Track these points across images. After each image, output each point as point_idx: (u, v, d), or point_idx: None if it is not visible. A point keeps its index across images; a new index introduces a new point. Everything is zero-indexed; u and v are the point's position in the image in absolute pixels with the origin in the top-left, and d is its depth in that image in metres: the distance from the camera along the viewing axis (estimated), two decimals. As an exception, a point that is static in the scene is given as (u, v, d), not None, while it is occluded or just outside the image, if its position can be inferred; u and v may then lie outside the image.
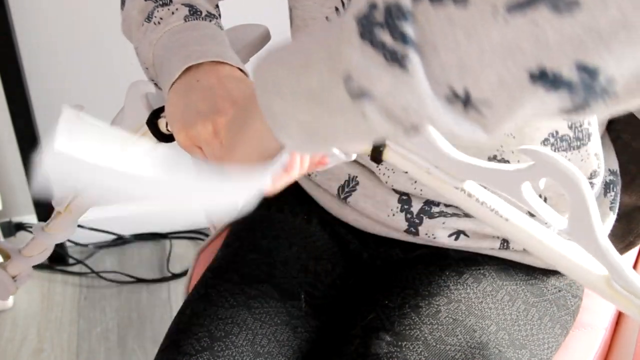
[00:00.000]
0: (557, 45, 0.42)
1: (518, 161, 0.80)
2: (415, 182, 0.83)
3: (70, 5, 1.60)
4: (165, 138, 0.78)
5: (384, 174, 0.84)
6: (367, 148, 0.64)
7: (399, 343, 0.78)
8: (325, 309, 0.90)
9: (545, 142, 0.79)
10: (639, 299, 0.57)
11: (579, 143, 0.80)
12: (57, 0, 1.59)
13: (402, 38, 0.45)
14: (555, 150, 0.80)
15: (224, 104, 0.68)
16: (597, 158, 0.84)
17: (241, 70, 0.74)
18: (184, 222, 1.91)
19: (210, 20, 0.78)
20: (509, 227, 0.60)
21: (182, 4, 0.78)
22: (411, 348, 0.78)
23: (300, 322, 0.87)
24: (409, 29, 0.45)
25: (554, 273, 0.90)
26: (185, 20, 0.76)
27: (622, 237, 0.99)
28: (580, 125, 0.80)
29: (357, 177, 0.87)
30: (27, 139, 1.68)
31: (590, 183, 0.85)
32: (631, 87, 0.44)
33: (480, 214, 0.61)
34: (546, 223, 0.59)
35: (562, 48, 0.42)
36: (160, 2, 0.78)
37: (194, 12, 0.77)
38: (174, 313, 0.87)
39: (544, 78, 0.44)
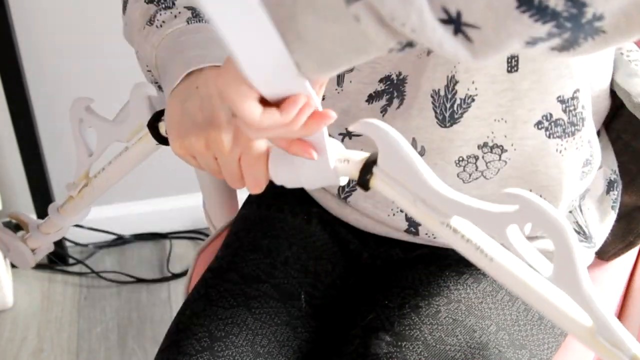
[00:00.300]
0: None
1: (512, 145, 0.79)
2: None
3: (70, 5, 1.60)
4: (165, 141, 0.78)
5: None
6: (355, 174, 0.63)
7: (399, 343, 0.78)
8: (325, 309, 0.90)
9: (538, 125, 0.79)
10: (623, 352, 0.55)
11: (573, 129, 0.80)
12: (57, 0, 1.59)
13: None
14: (549, 137, 0.79)
15: (221, 117, 0.67)
16: (590, 146, 0.84)
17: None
18: (184, 222, 1.91)
19: None
20: (493, 268, 0.58)
21: (185, 7, 0.77)
22: (411, 348, 0.78)
23: (300, 322, 0.87)
24: None
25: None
26: (188, 23, 0.76)
27: (622, 237, 0.99)
28: (574, 109, 0.79)
29: None
30: (27, 139, 1.69)
31: (583, 172, 0.85)
32: (619, 24, 0.44)
33: (464, 251, 0.59)
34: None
35: None
36: (163, 6, 0.78)
37: (196, 15, 0.76)
38: (174, 313, 0.87)
39: (530, 4, 0.44)
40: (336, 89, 0.85)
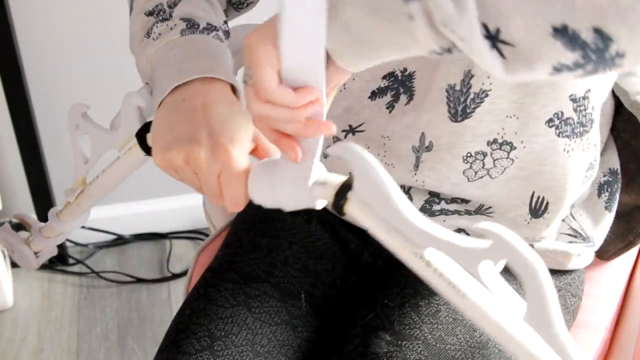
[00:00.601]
0: (582, 8, 0.49)
1: (522, 142, 0.79)
2: (416, 173, 0.83)
3: (70, 5, 1.60)
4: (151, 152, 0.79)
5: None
6: (331, 197, 0.61)
7: (399, 342, 0.78)
8: (325, 309, 0.90)
9: (549, 122, 0.79)
10: None
11: (582, 129, 0.80)
12: (57, 0, 1.59)
13: None
14: (559, 135, 0.79)
15: (201, 132, 0.67)
16: (595, 149, 0.84)
17: (233, 85, 0.73)
18: (185, 222, 1.91)
19: (208, 33, 0.77)
20: (465, 305, 0.55)
21: (181, 19, 0.77)
22: (411, 347, 0.78)
23: (301, 321, 0.87)
24: None
25: (553, 272, 0.90)
26: (182, 35, 0.76)
27: (622, 236, 0.99)
28: (585, 109, 0.80)
29: None
30: (27, 139, 1.69)
31: (585, 177, 0.85)
32: (635, 62, 0.49)
33: (436, 285, 0.57)
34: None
35: (585, 11, 0.49)
36: (160, 18, 0.78)
37: (190, 26, 0.76)
38: (174, 313, 0.87)
39: (564, 33, 0.50)
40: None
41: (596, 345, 0.94)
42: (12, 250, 1.08)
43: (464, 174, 0.81)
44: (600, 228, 0.92)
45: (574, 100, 0.78)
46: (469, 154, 0.80)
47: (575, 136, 0.80)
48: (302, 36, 0.55)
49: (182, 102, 0.70)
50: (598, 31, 0.49)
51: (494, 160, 0.80)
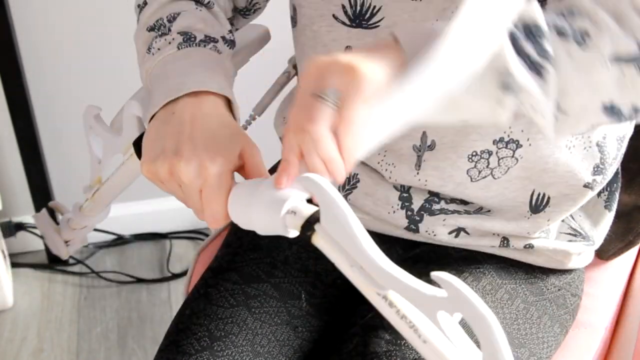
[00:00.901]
0: (627, 91, 0.63)
1: (528, 140, 0.79)
2: (418, 172, 0.83)
3: (70, 5, 1.60)
4: None
5: (386, 170, 0.84)
6: (298, 228, 0.61)
7: (398, 341, 0.78)
8: (325, 308, 0.90)
9: None
10: None
11: None
12: (57, 0, 1.59)
13: (544, 54, 0.62)
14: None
15: (186, 147, 0.67)
16: (600, 152, 0.84)
17: (227, 97, 0.73)
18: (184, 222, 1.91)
19: (205, 45, 0.77)
20: (426, 350, 0.55)
21: (179, 33, 0.77)
22: (410, 347, 0.78)
23: (301, 321, 0.87)
24: (548, 46, 0.61)
25: (553, 272, 0.90)
26: (179, 49, 0.76)
27: (622, 236, 0.99)
28: None
29: (357, 174, 0.87)
30: (27, 139, 1.69)
31: (594, 180, 0.84)
32: None
33: (398, 327, 0.57)
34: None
35: (629, 94, 0.63)
36: (160, 32, 0.78)
37: (187, 39, 0.76)
38: (174, 313, 0.87)
39: (611, 109, 0.64)
40: None
41: (596, 345, 0.94)
42: (46, 237, 1.09)
43: (467, 173, 0.81)
44: (600, 227, 0.92)
45: None
46: (474, 153, 0.80)
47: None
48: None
49: (172, 115, 0.70)
50: (635, 108, 0.65)
51: (499, 160, 0.80)
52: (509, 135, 0.79)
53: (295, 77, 1.10)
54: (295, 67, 1.09)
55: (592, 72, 0.62)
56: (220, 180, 0.66)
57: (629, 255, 1.03)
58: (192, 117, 0.69)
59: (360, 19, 0.80)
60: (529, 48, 0.61)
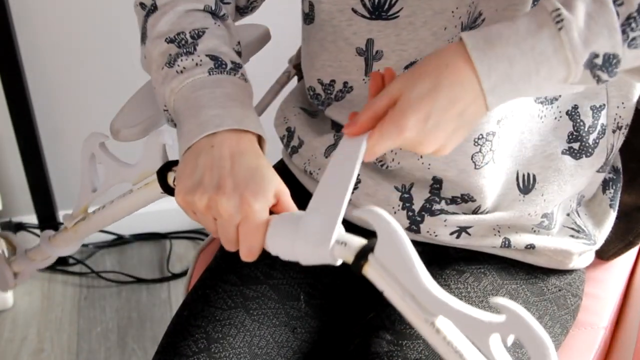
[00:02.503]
0: None
1: (512, 112, 0.80)
2: (422, 156, 0.83)
3: (70, 5, 1.60)
4: (171, 191, 0.80)
5: (390, 151, 0.84)
6: (351, 258, 0.63)
7: (400, 342, 0.78)
8: (325, 309, 0.90)
9: None
10: None
11: (552, 97, 0.82)
12: (58, 2, 1.59)
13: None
14: (535, 101, 0.81)
15: (227, 182, 0.68)
16: (571, 121, 0.85)
17: (260, 136, 0.74)
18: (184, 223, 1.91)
19: (234, 74, 0.78)
20: None
21: (207, 56, 0.77)
22: (411, 347, 0.78)
23: (300, 322, 0.87)
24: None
25: (554, 272, 0.90)
26: (210, 74, 0.76)
27: (622, 236, 0.99)
28: None
29: (359, 175, 0.87)
30: (27, 139, 1.69)
31: (570, 148, 0.85)
32: None
33: (443, 352, 0.58)
34: None
35: None
36: (184, 50, 0.78)
37: (218, 65, 0.77)
38: (174, 313, 0.87)
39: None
40: (364, 79, 0.85)
41: (596, 345, 0.94)
42: None
43: (472, 159, 0.81)
44: (603, 228, 0.92)
45: None
46: (480, 136, 0.80)
47: (547, 102, 0.82)
48: None
49: (211, 148, 0.71)
50: None
51: (500, 140, 0.81)
52: (506, 116, 0.80)
53: (296, 77, 1.10)
54: (295, 67, 1.09)
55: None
56: (260, 217, 0.68)
57: (629, 256, 1.03)
58: (231, 154, 0.70)
59: (379, 10, 0.80)
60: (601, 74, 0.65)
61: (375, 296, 0.86)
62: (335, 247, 0.63)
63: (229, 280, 0.87)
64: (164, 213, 1.88)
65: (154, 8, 0.82)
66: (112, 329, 1.70)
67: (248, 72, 0.81)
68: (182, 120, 0.75)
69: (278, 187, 0.70)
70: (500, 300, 0.54)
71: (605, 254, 1.01)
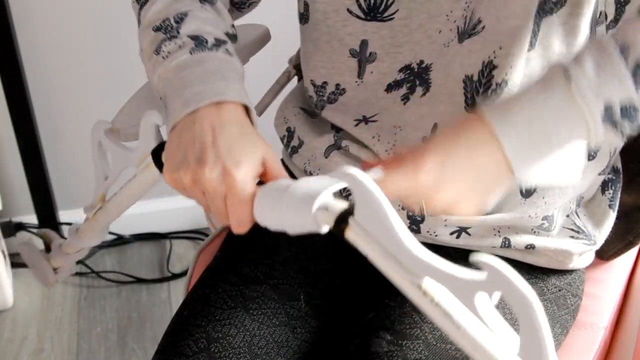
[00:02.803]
0: None
1: None
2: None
3: (70, 5, 1.60)
4: None
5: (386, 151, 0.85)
6: (332, 222, 0.62)
7: (400, 342, 0.78)
8: (325, 309, 0.90)
9: None
10: None
11: None
12: (58, 2, 1.59)
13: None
14: None
15: (208, 155, 0.68)
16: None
17: (245, 105, 0.73)
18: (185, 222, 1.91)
19: (217, 49, 0.77)
20: (460, 336, 0.55)
21: (189, 36, 0.77)
22: (411, 347, 0.78)
23: (300, 322, 0.87)
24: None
25: (554, 272, 0.90)
26: (191, 54, 0.76)
27: (622, 236, 0.99)
28: None
29: None
30: (27, 139, 1.69)
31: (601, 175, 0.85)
32: None
33: (432, 315, 0.57)
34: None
35: None
36: (169, 35, 0.78)
37: (199, 44, 0.76)
38: (174, 313, 0.87)
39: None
40: (356, 82, 0.85)
41: (596, 345, 0.94)
42: (32, 265, 1.08)
43: None
44: (602, 228, 0.92)
45: None
46: None
47: None
48: None
49: (193, 124, 0.71)
50: None
51: None
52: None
53: (296, 77, 1.10)
54: (295, 67, 1.09)
55: None
56: (244, 187, 0.67)
57: (629, 256, 1.03)
58: (212, 126, 0.70)
59: (375, 11, 0.80)
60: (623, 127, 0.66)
61: (375, 296, 0.86)
62: (318, 213, 0.62)
63: (229, 280, 0.87)
64: (164, 213, 1.88)
65: (145, 0, 0.83)
66: (112, 329, 1.70)
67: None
68: (167, 101, 0.75)
69: (264, 154, 0.69)
70: (482, 257, 0.52)
71: (605, 254, 1.01)
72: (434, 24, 0.79)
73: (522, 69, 0.77)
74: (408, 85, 0.82)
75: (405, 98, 0.83)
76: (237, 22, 0.94)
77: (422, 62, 0.81)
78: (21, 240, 1.10)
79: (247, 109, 0.74)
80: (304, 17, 0.87)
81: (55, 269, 1.07)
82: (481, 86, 0.78)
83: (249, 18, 0.98)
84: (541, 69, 0.77)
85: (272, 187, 0.67)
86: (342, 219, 0.61)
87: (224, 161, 0.67)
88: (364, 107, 0.86)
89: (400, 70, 0.82)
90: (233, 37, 0.83)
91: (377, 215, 0.58)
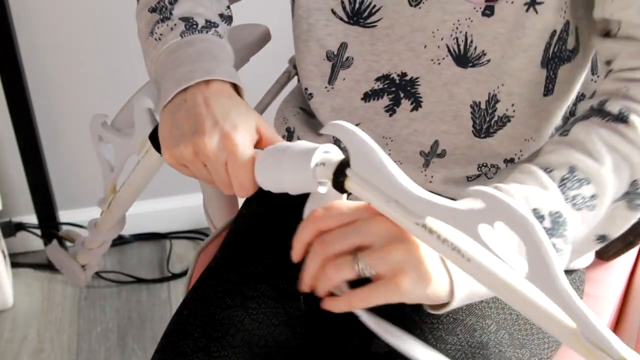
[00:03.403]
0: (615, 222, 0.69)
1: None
2: (425, 169, 0.83)
3: (70, 5, 1.60)
4: None
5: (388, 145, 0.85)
6: (330, 176, 0.62)
7: (399, 342, 0.78)
8: (324, 309, 0.90)
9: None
10: (610, 355, 0.52)
11: None
12: (57, 2, 1.59)
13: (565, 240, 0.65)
14: None
15: (205, 123, 0.69)
16: None
17: (233, 83, 0.74)
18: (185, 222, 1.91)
19: (207, 31, 0.78)
20: (471, 268, 0.56)
21: (180, 18, 0.78)
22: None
23: (299, 322, 0.87)
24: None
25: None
26: (182, 36, 0.77)
27: (622, 236, 0.98)
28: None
29: None
30: (27, 139, 1.69)
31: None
32: None
33: (441, 252, 0.58)
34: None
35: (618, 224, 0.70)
36: (161, 17, 0.79)
37: (189, 26, 0.77)
38: (174, 313, 0.88)
39: (602, 238, 0.71)
40: (326, 87, 0.85)
41: (596, 345, 0.94)
42: (61, 266, 1.09)
43: (475, 180, 0.82)
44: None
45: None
46: (484, 164, 0.81)
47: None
48: None
49: (184, 102, 0.72)
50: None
51: (505, 172, 0.82)
52: (519, 158, 0.82)
53: (296, 77, 1.10)
54: (295, 67, 1.09)
55: (595, 222, 0.67)
56: (243, 149, 0.68)
57: (629, 256, 1.03)
58: (204, 98, 0.71)
59: (358, 16, 0.80)
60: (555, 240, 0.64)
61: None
62: (316, 169, 0.63)
63: (229, 279, 0.87)
64: (163, 213, 1.88)
65: None
66: (112, 329, 1.70)
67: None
68: (159, 83, 0.76)
69: (258, 121, 0.71)
70: (476, 187, 0.53)
71: (605, 254, 1.01)
72: (417, 38, 0.79)
73: (526, 110, 0.80)
74: (390, 96, 0.83)
75: (390, 110, 0.83)
76: (238, 22, 0.94)
77: (404, 74, 0.81)
78: (49, 246, 1.12)
79: (237, 89, 0.75)
80: (292, 12, 0.87)
81: (83, 267, 1.08)
82: (488, 115, 0.81)
83: (250, 18, 0.98)
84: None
85: (271, 149, 0.68)
86: (340, 172, 0.61)
87: (221, 127, 0.68)
88: (341, 116, 0.86)
89: (378, 80, 0.82)
90: (227, 19, 0.84)
91: (373, 162, 0.59)
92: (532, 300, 0.54)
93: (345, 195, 0.64)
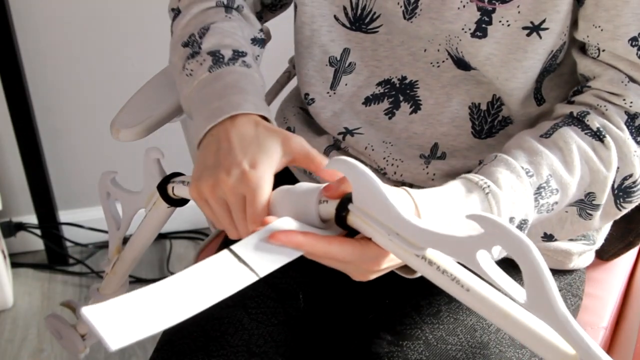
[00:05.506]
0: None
1: None
2: (427, 166, 0.83)
3: (71, 6, 1.60)
4: (175, 202, 0.82)
5: (391, 165, 0.85)
6: (333, 212, 0.63)
7: (400, 342, 0.78)
8: (324, 309, 0.90)
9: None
10: None
11: None
12: (57, 2, 1.59)
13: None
14: None
15: (226, 159, 0.69)
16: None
17: (262, 116, 0.74)
18: (185, 223, 1.91)
19: (234, 63, 0.78)
20: (470, 298, 0.57)
21: (208, 53, 0.78)
22: (412, 347, 0.78)
23: (299, 322, 0.87)
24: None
25: (554, 272, 0.90)
26: (210, 71, 0.77)
27: (622, 237, 0.99)
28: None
29: None
30: (27, 139, 1.69)
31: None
32: None
33: (440, 283, 0.59)
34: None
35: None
36: (192, 52, 0.79)
37: (216, 61, 0.78)
38: (174, 313, 0.88)
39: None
40: (327, 92, 0.85)
41: (596, 345, 0.94)
42: (60, 336, 1.08)
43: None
44: (601, 228, 0.92)
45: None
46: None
47: None
48: None
49: (212, 137, 0.72)
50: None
51: None
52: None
53: (296, 77, 1.10)
54: (295, 67, 1.09)
55: (546, 221, 0.75)
56: (262, 182, 0.67)
57: (629, 256, 1.04)
58: (228, 134, 0.71)
59: (360, 22, 0.81)
60: None
61: (375, 296, 0.86)
62: (320, 207, 0.64)
63: (228, 279, 0.87)
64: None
65: (178, 12, 0.84)
66: (112, 329, 1.70)
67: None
68: (194, 122, 0.77)
69: (284, 141, 0.70)
70: (474, 214, 0.53)
71: (605, 254, 1.01)
72: (417, 43, 0.80)
73: (526, 118, 0.81)
74: (390, 100, 0.83)
75: (390, 113, 0.84)
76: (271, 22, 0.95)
77: (404, 77, 0.82)
78: (48, 316, 1.10)
79: (265, 120, 0.75)
80: (295, 17, 0.88)
81: (82, 336, 1.06)
82: (489, 116, 0.81)
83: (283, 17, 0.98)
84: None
85: (282, 188, 0.68)
86: (342, 208, 0.62)
87: (239, 162, 0.68)
88: (342, 120, 0.86)
89: (379, 84, 0.83)
90: (260, 42, 0.84)
91: (374, 196, 0.59)
92: (532, 330, 0.55)
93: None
